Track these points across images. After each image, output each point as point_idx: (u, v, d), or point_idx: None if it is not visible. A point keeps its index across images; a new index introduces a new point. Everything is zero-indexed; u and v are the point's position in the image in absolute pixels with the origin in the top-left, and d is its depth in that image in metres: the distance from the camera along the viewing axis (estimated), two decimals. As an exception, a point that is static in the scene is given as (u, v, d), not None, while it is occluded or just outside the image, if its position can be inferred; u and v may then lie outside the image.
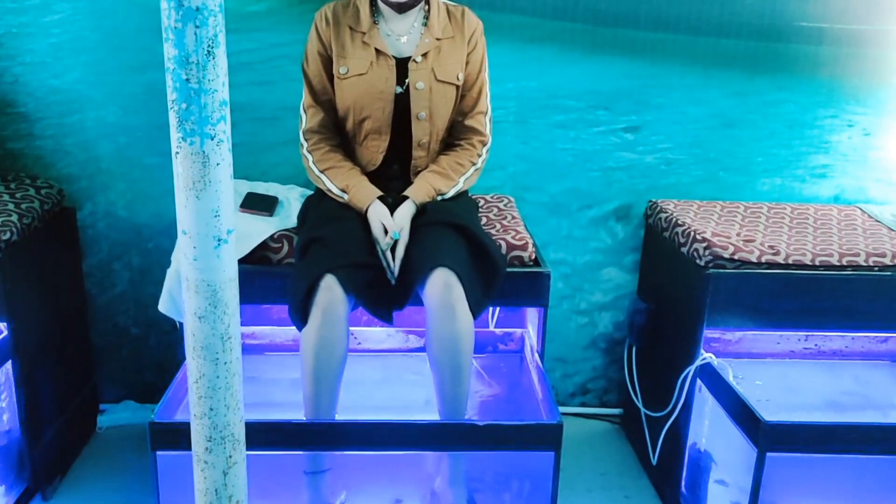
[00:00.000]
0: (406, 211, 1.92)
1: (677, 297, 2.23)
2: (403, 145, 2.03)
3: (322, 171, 2.00)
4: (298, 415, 1.85)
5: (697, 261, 2.08)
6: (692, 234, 2.15)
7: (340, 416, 1.85)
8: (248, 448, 1.34)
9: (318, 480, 1.85)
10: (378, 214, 1.90)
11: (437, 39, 1.99)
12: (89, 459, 2.40)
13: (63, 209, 2.35)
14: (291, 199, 2.22)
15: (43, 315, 2.20)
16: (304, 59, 2.03)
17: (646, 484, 2.39)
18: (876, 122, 2.52)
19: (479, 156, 2.07)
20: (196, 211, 1.15)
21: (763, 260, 2.03)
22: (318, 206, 2.02)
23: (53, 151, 2.41)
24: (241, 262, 1.84)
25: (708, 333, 2.08)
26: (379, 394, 2.21)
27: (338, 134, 2.06)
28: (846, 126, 2.52)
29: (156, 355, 2.61)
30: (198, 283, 1.19)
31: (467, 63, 2.03)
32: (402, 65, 1.98)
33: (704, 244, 2.07)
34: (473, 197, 2.23)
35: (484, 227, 2.06)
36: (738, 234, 2.15)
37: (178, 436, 1.64)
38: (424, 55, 1.98)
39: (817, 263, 2.04)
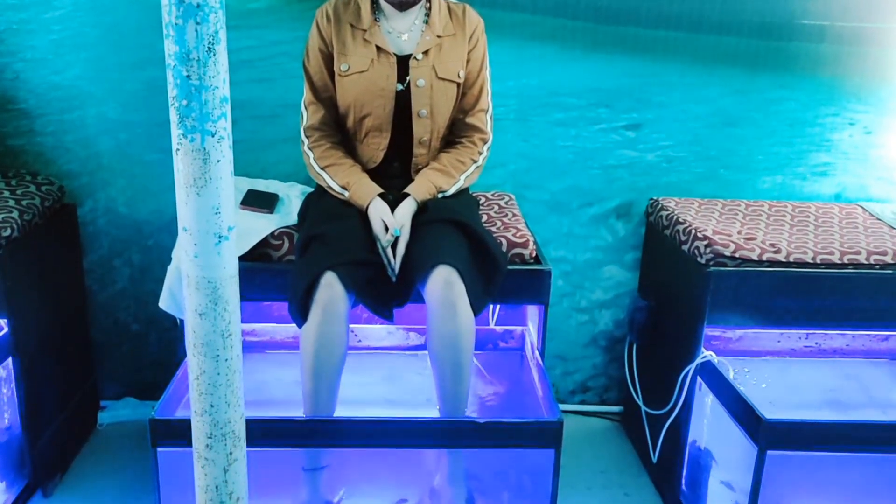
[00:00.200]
0: (407, 208, 1.92)
1: (678, 294, 2.23)
2: (404, 143, 2.02)
3: (323, 169, 2.00)
4: (298, 412, 1.85)
5: (698, 259, 2.07)
6: (693, 231, 2.14)
7: (340, 414, 1.85)
8: (248, 445, 1.34)
9: (316, 477, 1.85)
10: (379, 211, 1.90)
11: (438, 37, 1.99)
12: (90, 456, 2.41)
13: (63, 206, 2.35)
14: (292, 197, 2.22)
15: (43, 312, 2.20)
16: (305, 56, 2.03)
17: (646, 482, 2.39)
18: (877, 121, 2.52)
19: (480, 153, 2.07)
20: (197, 208, 1.14)
21: (764, 258, 2.03)
22: (319, 203, 2.02)
23: (54, 148, 2.41)
24: (241, 259, 1.84)
25: (708, 331, 2.08)
26: (379, 391, 2.21)
27: (339, 131, 2.06)
28: (847, 124, 2.52)
29: (156, 352, 2.61)
30: (198, 280, 1.19)
31: (468, 61, 2.03)
32: (403, 62, 1.98)
33: (705, 242, 2.07)
34: (474, 194, 2.23)
35: (485, 225, 2.06)
36: (739, 232, 2.15)
37: (178, 432, 1.65)
38: (425, 53, 1.98)
39: (818, 261, 2.04)
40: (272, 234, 2.02)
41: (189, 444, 1.30)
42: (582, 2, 2.37)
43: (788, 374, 2.33)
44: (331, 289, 1.77)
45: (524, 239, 2.04)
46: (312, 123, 2.03)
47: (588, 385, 2.75)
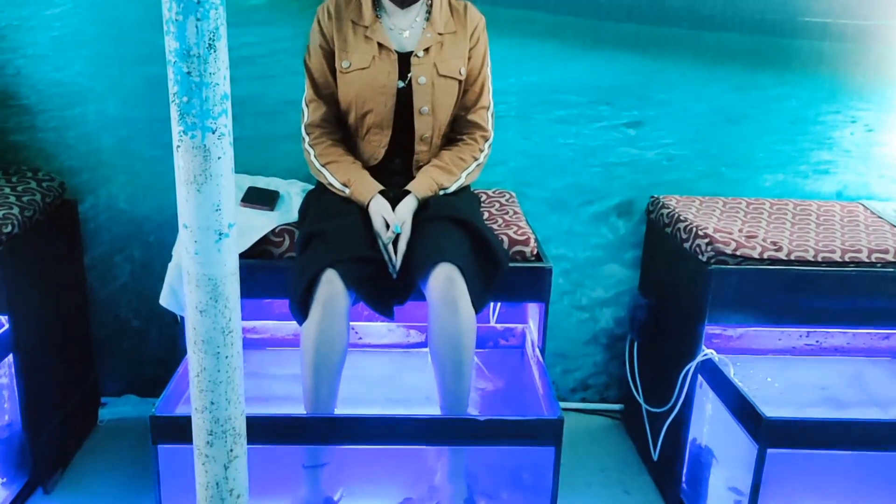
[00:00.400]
0: (408, 205, 1.92)
1: (679, 292, 2.23)
2: (405, 140, 2.02)
3: (324, 166, 2.00)
4: (299, 409, 1.85)
5: (699, 256, 2.07)
6: (694, 229, 2.14)
7: (340, 411, 1.85)
8: (249, 442, 1.34)
9: (316, 474, 1.85)
10: (379, 208, 1.90)
11: (440, 34, 1.99)
12: (90, 452, 2.41)
13: (64, 202, 2.35)
14: (292, 194, 2.22)
15: (44, 308, 2.20)
16: (307, 53, 2.03)
17: (646, 479, 2.39)
18: (879, 118, 2.51)
19: (482, 151, 2.07)
20: (197, 205, 1.14)
21: (765, 256, 2.02)
22: (320, 200, 2.02)
23: (55, 144, 2.41)
24: (242, 256, 1.83)
25: (709, 329, 2.08)
26: (379, 389, 2.21)
27: (340, 128, 2.06)
28: (849, 122, 2.52)
29: (157, 349, 2.61)
30: (199, 277, 1.18)
31: (469, 58, 2.02)
32: (405, 59, 1.98)
33: (706, 240, 2.07)
34: (475, 192, 2.23)
35: (486, 223, 2.06)
36: (740, 230, 2.15)
37: (179, 429, 1.65)
38: (426, 50, 1.97)
39: (819, 259, 2.03)
40: (273, 231, 2.01)
41: (190, 440, 1.30)
42: (583, -1, 2.37)
43: (789, 372, 2.33)
44: (331, 286, 1.77)
45: (525, 237, 2.04)
46: (313, 120, 2.03)
47: (588, 383, 2.75)
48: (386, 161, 2.04)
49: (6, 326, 2.03)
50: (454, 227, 1.89)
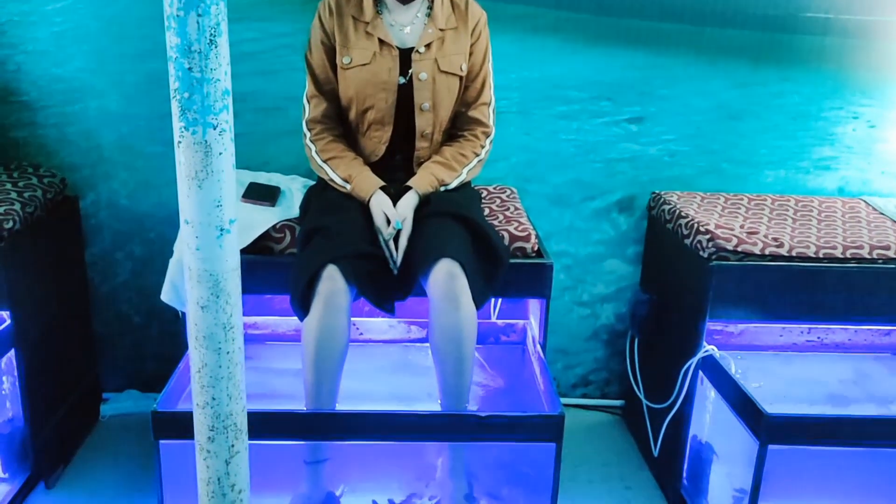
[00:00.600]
0: (409, 201, 1.92)
1: (680, 288, 2.22)
2: (406, 136, 2.02)
3: (325, 161, 1.99)
4: (300, 405, 1.85)
5: (700, 253, 2.07)
6: (695, 225, 2.14)
7: (341, 407, 1.85)
8: (250, 437, 1.34)
9: (317, 470, 1.85)
10: (380, 204, 1.90)
11: (441, 30, 1.98)
12: (92, 448, 2.41)
13: (65, 198, 2.35)
14: (294, 190, 2.22)
15: (45, 304, 2.21)
16: (308, 48, 2.02)
17: (647, 475, 2.39)
18: (881, 114, 2.51)
19: (483, 147, 2.07)
20: (198, 201, 1.14)
21: (766, 252, 2.02)
22: (321, 196, 2.02)
23: (56, 140, 2.41)
24: (243, 252, 1.84)
25: (710, 326, 2.08)
26: (380, 384, 2.21)
27: (341, 124, 2.06)
28: (851, 118, 2.51)
29: (158, 345, 2.61)
30: (200, 273, 1.18)
31: (471, 54, 2.02)
32: (406, 55, 1.97)
33: (708, 236, 2.07)
34: (476, 188, 2.23)
35: (486, 218, 2.06)
36: (741, 227, 2.15)
37: (180, 425, 1.65)
38: (428, 46, 1.97)
39: (821, 256, 2.03)
40: (274, 226, 2.01)
41: (191, 436, 1.30)
42: (585, -6, 2.36)
43: (790, 368, 2.33)
44: (332, 282, 1.77)
45: (526, 232, 2.03)
46: (314, 116, 2.03)
47: (589, 379, 2.75)
48: (387, 157, 2.04)
49: (8, 322, 2.03)
50: (455, 223, 1.89)
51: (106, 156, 2.43)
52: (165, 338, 2.59)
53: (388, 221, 1.87)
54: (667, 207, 2.34)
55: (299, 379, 1.85)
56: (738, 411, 1.93)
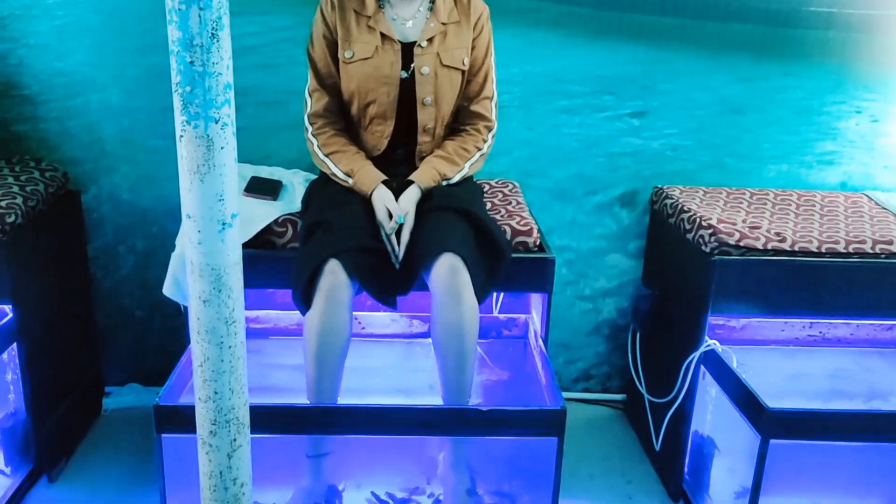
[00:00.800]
0: (411, 195, 1.92)
1: (682, 283, 2.22)
2: (408, 130, 2.02)
3: (327, 155, 1.99)
4: (302, 399, 1.85)
5: (703, 247, 2.07)
6: (698, 220, 2.14)
7: (343, 401, 1.86)
8: (252, 431, 1.34)
9: (319, 463, 1.85)
10: (382, 198, 1.90)
11: (443, 24, 1.98)
12: (95, 441, 2.42)
13: (67, 192, 2.35)
14: (296, 184, 2.22)
15: (48, 298, 2.21)
16: (310, 42, 2.02)
17: (648, 470, 2.39)
18: (884, 109, 2.50)
19: (485, 141, 2.06)
20: (200, 195, 1.14)
21: (769, 247, 2.02)
22: (323, 190, 2.02)
23: (58, 134, 2.41)
24: (245, 246, 1.84)
25: (712, 320, 2.08)
26: (382, 378, 2.21)
27: (343, 118, 2.05)
28: (854, 112, 2.51)
29: (160, 338, 2.62)
30: (202, 267, 1.18)
31: (473, 48, 2.02)
32: (408, 49, 1.97)
33: (710, 231, 2.06)
34: (478, 182, 2.23)
35: (489, 213, 2.06)
36: (743, 221, 2.14)
37: (182, 418, 1.65)
38: (430, 40, 1.97)
39: (823, 251, 2.03)
40: (276, 221, 2.01)
41: (193, 430, 1.31)
42: (587, -12, 2.36)
43: (792, 363, 2.33)
44: (334, 276, 1.77)
45: (528, 227, 2.03)
46: (316, 110, 2.02)
47: (591, 373, 2.76)
48: (389, 151, 2.03)
49: (10, 316, 2.03)
50: (457, 217, 1.89)
51: (108, 150, 2.43)
52: (167, 332, 2.59)
53: (390, 216, 1.87)
54: (669, 202, 2.34)
55: (301, 373, 1.85)
56: (739, 406, 1.93)
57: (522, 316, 2.39)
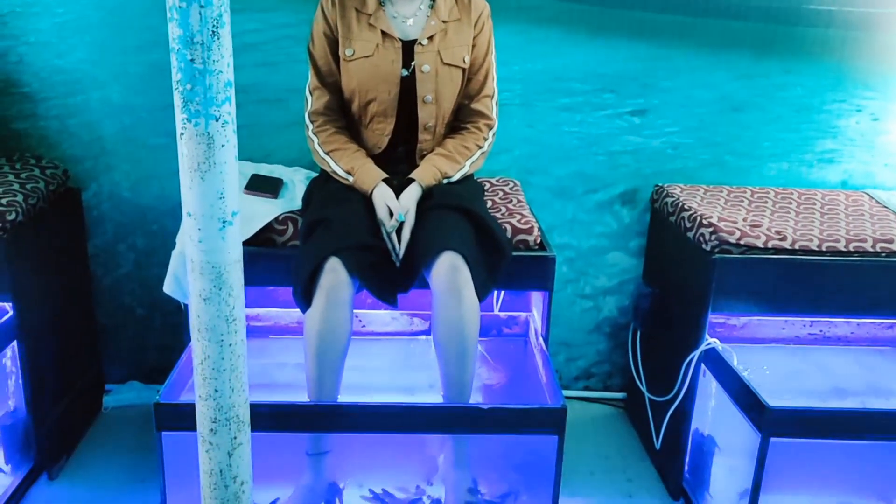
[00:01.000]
0: (412, 193, 1.91)
1: (682, 281, 2.22)
2: (409, 128, 2.02)
3: (327, 153, 1.99)
4: (302, 397, 1.85)
5: (703, 246, 2.07)
6: (698, 218, 2.14)
7: (343, 399, 1.86)
8: (252, 429, 1.34)
9: (319, 461, 1.86)
10: (383, 196, 1.89)
11: (444, 22, 1.98)
12: (95, 439, 2.42)
13: (68, 190, 2.35)
14: (296, 182, 2.22)
15: (48, 295, 2.21)
16: (310, 40, 2.02)
17: (649, 468, 2.39)
18: (884, 107, 2.50)
19: (486, 139, 2.06)
20: (201, 192, 1.14)
21: (769, 245, 2.02)
22: (323, 188, 2.02)
23: (58, 132, 2.41)
24: (245, 244, 1.84)
25: (713, 318, 2.08)
26: (382, 377, 2.21)
27: (343, 116, 2.05)
28: (854, 110, 2.50)
29: (161, 336, 2.62)
30: (202, 265, 1.18)
31: (474, 46, 2.01)
32: (409, 47, 1.97)
33: (710, 229, 2.06)
34: (479, 180, 2.23)
35: (489, 211, 2.06)
36: (744, 219, 2.14)
37: (183, 416, 1.65)
38: (430, 38, 1.96)
39: (824, 249, 2.03)
40: (276, 218, 2.01)
41: (194, 428, 1.31)
42: (588, -14, 2.36)
43: (793, 361, 2.33)
44: (335, 274, 1.76)
45: (529, 225, 2.03)
46: (317, 108, 2.02)
47: (592, 371, 2.76)
48: (389, 149, 2.03)
49: (10, 314, 2.03)
50: (458, 215, 1.89)
51: (108, 147, 2.43)
52: (168, 329, 2.59)
53: (391, 213, 1.87)
54: (670, 200, 2.34)
55: (301, 371, 1.85)
56: (740, 404, 1.93)
57: (523, 314, 2.39)
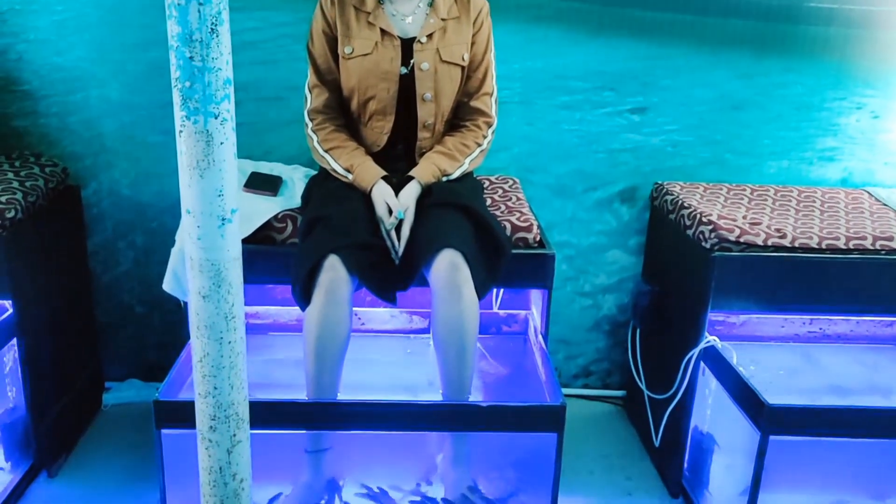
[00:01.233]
0: (411, 191, 1.91)
1: (682, 279, 2.22)
2: (408, 126, 2.02)
3: (327, 151, 1.99)
4: (301, 394, 1.85)
5: (703, 243, 2.07)
6: (698, 216, 2.14)
7: (343, 396, 1.86)
8: (252, 427, 1.34)
9: (319, 459, 1.86)
10: (382, 194, 1.89)
11: (443, 20, 1.98)
12: (94, 437, 2.42)
13: (67, 187, 2.35)
14: (295, 179, 2.21)
15: (47, 293, 2.21)
16: (309, 38, 2.02)
17: (648, 466, 2.40)
18: (884, 105, 2.50)
19: (485, 137, 2.06)
20: (200, 190, 1.14)
21: (769, 243, 2.02)
22: (323, 185, 2.02)
23: (57, 129, 2.41)
24: (244, 241, 1.84)
25: (712, 316, 2.08)
26: (382, 374, 2.21)
27: (343, 114, 2.05)
28: (854, 108, 2.50)
29: (160, 334, 2.62)
30: (202, 263, 1.18)
31: (473, 44, 2.01)
32: (408, 45, 1.97)
33: (710, 227, 2.06)
34: (478, 178, 2.23)
35: (489, 209, 2.06)
36: (744, 217, 2.14)
37: (182, 414, 1.65)
38: (430, 36, 1.96)
39: (824, 247, 2.03)
40: (276, 216, 2.01)
41: (193, 425, 1.31)
42: (588, -16, 2.35)
43: (792, 359, 2.33)
44: (334, 272, 1.76)
45: (528, 223, 2.03)
46: (316, 106, 2.02)
47: (591, 369, 2.76)
48: (388, 147, 2.03)
49: (10, 311, 2.03)
50: (457, 213, 1.89)
51: (107, 145, 2.43)
52: (167, 327, 2.59)
53: (390, 211, 1.87)
54: (669, 198, 2.34)
55: (301, 369, 1.85)
56: (739, 402, 1.93)
57: (522, 312, 2.39)
